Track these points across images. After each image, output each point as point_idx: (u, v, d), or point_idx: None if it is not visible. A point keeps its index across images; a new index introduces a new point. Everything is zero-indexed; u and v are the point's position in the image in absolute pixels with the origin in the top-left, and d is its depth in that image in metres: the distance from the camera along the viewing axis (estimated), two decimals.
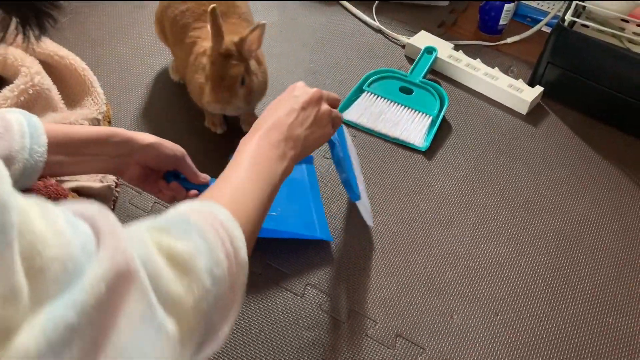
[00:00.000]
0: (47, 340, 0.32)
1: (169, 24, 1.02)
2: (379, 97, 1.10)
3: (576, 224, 0.94)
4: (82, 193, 0.76)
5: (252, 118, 1.02)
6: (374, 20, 1.30)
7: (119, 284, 0.37)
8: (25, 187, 0.63)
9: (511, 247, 0.90)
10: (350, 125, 1.08)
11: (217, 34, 0.84)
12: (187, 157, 0.75)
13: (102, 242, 0.38)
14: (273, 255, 0.87)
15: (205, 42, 0.92)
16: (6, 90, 0.76)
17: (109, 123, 1.01)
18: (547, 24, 1.28)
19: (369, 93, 1.11)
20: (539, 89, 1.12)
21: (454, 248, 0.90)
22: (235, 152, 0.63)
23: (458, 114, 1.11)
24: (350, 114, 1.09)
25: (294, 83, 0.73)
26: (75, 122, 0.84)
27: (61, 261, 0.35)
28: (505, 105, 1.13)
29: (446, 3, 1.36)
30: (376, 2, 1.34)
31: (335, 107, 0.76)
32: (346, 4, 1.35)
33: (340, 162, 0.81)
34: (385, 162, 1.02)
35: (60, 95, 0.87)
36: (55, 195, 0.68)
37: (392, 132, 1.06)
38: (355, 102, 1.10)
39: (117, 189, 0.87)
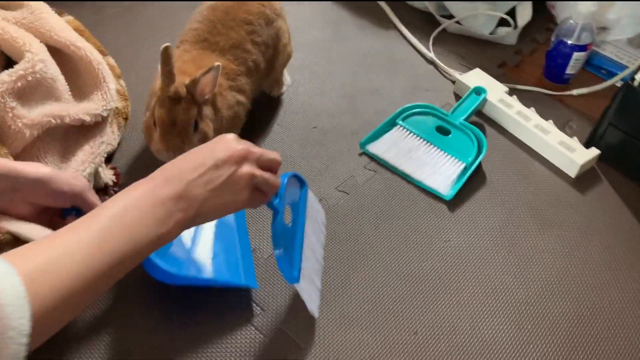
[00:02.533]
0: None
1: None
2: (412, 134, 1.01)
3: (606, 319, 0.80)
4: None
5: None
6: (429, 50, 1.21)
7: None
8: None
9: (523, 330, 0.78)
10: (374, 158, 1.00)
11: (167, 76, 0.75)
12: (89, 192, 0.66)
13: None
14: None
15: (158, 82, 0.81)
16: (4, 74, 0.74)
17: (126, 120, 0.98)
18: (623, 80, 1.14)
19: (402, 128, 1.02)
20: (594, 152, 0.98)
21: (455, 318, 0.79)
22: (107, 201, 0.54)
23: (495, 164, 1.00)
24: (376, 147, 1.00)
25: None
26: (75, 115, 0.81)
27: None
28: (553, 164, 1.00)
29: (513, 42, 1.25)
30: (436, 31, 1.25)
31: (272, 171, 0.66)
32: (404, 29, 1.26)
33: (280, 235, 0.68)
34: (401, 205, 0.93)
35: (68, 86, 0.85)
36: None
37: (417, 173, 0.97)
38: (385, 135, 1.02)
39: None
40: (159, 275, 0.72)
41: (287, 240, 0.71)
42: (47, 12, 0.87)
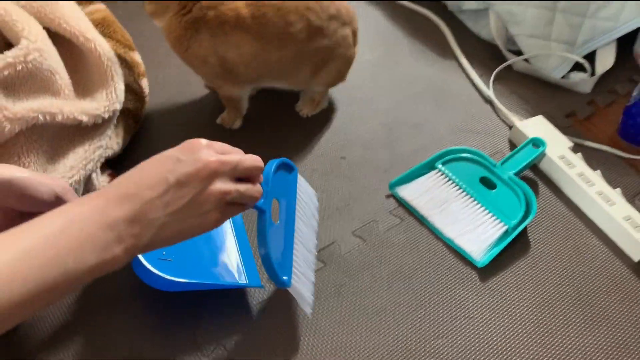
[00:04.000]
0: None
1: None
2: (450, 182, 0.88)
3: None
4: None
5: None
6: (488, 87, 1.07)
7: None
8: None
9: None
10: (402, 203, 0.87)
11: None
12: (70, 194, 0.58)
13: None
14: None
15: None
16: None
17: (137, 122, 0.90)
18: None
19: (440, 173, 0.89)
20: None
21: None
22: (44, 215, 0.47)
23: (544, 232, 0.85)
24: (407, 191, 0.88)
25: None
26: (70, 114, 0.73)
27: None
28: (613, 242, 0.84)
29: (588, 90, 1.09)
30: (500, 67, 1.10)
31: (252, 179, 0.58)
32: (463, 60, 1.13)
33: (268, 237, 0.62)
34: (423, 264, 0.80)
35: (70, 81, 0.76)
36: None
37: (448, 230, 0.83)
38: (419, 179, 0.89)
39: None
40: (153, 282, 0.66)
41: (277, 241, 0.66)
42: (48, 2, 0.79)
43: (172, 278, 0.65)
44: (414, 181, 0.89)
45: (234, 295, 0.75)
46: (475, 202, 0.86)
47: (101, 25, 0.90)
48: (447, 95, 1.06)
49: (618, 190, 0.88)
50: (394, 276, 0.78)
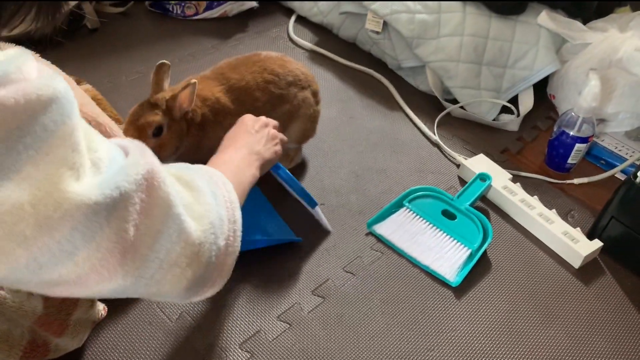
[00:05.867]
0: (103, 194, 0.44)
1: None
2: (418, 217, 1.02)
3: None
4: None
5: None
6: (434, 133, 1.24)
7: (149, 178, 0.49)
8: None
9: None
10: (380, 239, 1.00)
11: (155, 85, 0.90)
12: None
13: (132, 153, 0.50)
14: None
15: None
16: None
17: None
18: (622, 171, 1.17)
19: (408, 210, 1.03)
20: (597, 244, 0.99)
21: None
22: (213, 158, 0.77)
23: (501, 251, 1.01)
24: (382, 228, 1.01)
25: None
26: None
27: (108, 158, 0.48)
28: (556, 254, 1.01)
29: (515, 129, 1.28)
30: (440, 114, 1.28)
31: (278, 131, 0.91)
32: (409, 111, 1.30)
33: (289, 180, 0.93)
34: (408, 289, 0.93)
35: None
36: None
37: (423, 257, 0.97)
38: (391, 216, 1.03)
39: None
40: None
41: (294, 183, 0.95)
42: (74, 87, 0.88)
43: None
44: (388, 219, 1.03)
45: None
46: (441, 231, 1.00)
47: (94, 103, 0.99)
48: (401, 143, 1.22)
49: (554, 210, 1.06)
50: (385, 303, 0.91)
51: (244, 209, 0.85)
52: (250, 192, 0.99)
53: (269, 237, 0.98)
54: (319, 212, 0.98)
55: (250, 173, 0.77)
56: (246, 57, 1.02)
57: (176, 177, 0.57)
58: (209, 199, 0.57)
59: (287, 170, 0.94)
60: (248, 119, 0.87)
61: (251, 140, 0.83)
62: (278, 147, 0.87)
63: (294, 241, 0.98)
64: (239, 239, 0.62)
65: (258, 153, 0.82)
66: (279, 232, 0.99)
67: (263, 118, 0.88)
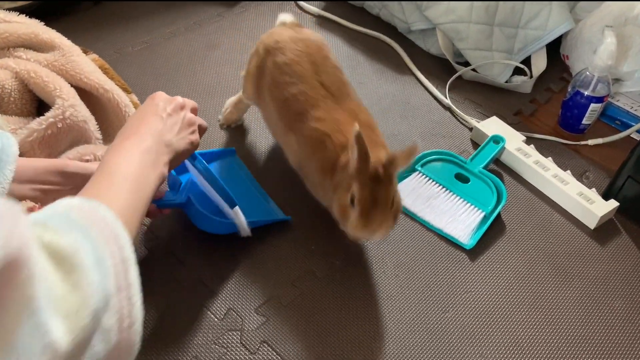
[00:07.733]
0: None
1: (274, 89, 0.91)
2: (431, 181, 1.01)
3: None
4: None
5: None
6: (445, 97, 1.22)
7: (7, 270, 0.36)
8: None
9: None
10: None
11: (365, 159, 0.73)
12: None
13: None
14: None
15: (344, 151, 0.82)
16: (34, 123, 0.75)
17: None
18: (638, 131, 1.15)
19: (421, 174, 1.02)
20: (613, 204, 0.98)
21: None
22: (102, 161, 0.60)
23: (515, 214, 1.00)
24: None
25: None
26: (100, 157, 0.81)
27: None
28: (572, 215, 1.00)
29: (528, 90, 1.26)
30: (452, 77, 1.26)
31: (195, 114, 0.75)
32: (420, 75, 1.28)
33: (207, 174, 0.81)
34: (421, 253, 0.93)
35: (98, 126, 0.85)
36: None
37: (436, 221, 0.97)
38: (404, 181, 1.02)
39: None
40: (205, 225, 0.84)
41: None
42: (77, 55, 0.88)
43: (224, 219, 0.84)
44: (400, 184, 1.02)
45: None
46: (455, 195, 0.99)
47: (102, 72, 0.99)
48: (412, 107, 1.21)
49: (568, 172, 1.04)
50: (398, 267, 0.90)
51: (232, 191, 0.83)
52: (238, 172, 0.97)
53: (256, 220, 0.89)
54: (239, 214, 0.83)
55: (155, 176, 0.62)
56: (308, 54, 0.92)
57: (51, 251, 0.43)
58: (91, 276, 0.44)
59: (205, 162, 0.82)
60: (159, 97, 0.69)
61: (160, 127, 0.65)
62: (195, 136, 0.71)
63: (283, 220, 0.94)
64: (137, 304, 0.49)
65: (169, 144, 0.65)
66: (267, 213, 0.94)
67: (179, 98, 0.71)
